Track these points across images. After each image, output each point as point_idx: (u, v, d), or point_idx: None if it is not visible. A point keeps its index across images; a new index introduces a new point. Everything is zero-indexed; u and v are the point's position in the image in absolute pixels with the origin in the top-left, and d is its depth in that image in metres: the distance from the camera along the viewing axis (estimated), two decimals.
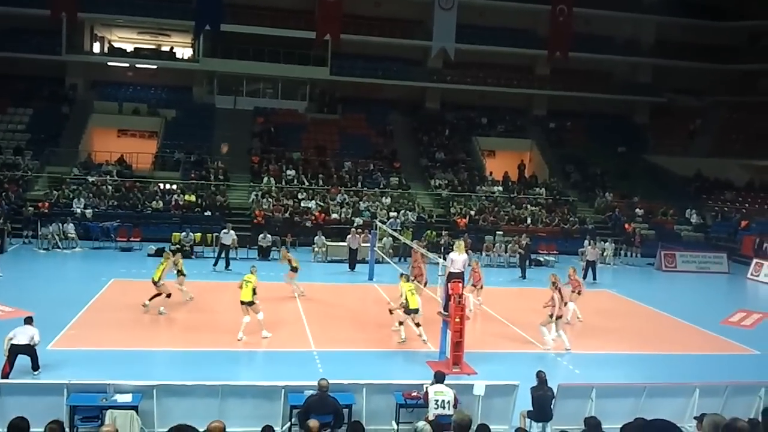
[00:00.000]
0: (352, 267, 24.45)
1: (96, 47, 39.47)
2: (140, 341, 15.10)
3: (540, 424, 10.48)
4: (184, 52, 41.24)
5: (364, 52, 38.44)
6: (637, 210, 34.21)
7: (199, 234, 26.44)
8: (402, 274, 16.55)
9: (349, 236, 24.96)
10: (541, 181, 36.77)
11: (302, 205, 30.75)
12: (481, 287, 19.03)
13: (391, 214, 30.30)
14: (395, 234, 24.66)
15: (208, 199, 30.27)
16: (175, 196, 30.24)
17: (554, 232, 31.64)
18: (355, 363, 14.14)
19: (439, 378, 10.11)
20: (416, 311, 15.27)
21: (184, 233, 25.88)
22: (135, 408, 9.56)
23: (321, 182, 32.83)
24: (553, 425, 10.45)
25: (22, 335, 12.11)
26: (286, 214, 29.78)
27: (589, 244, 25.77)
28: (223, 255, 23.49)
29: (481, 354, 14.66)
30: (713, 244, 32.29)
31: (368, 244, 23.89)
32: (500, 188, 35.21)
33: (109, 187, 30.40)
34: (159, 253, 23.14)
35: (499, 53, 39.19)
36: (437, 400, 9.70)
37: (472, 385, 10.45)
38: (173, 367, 13.35)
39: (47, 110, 34.98)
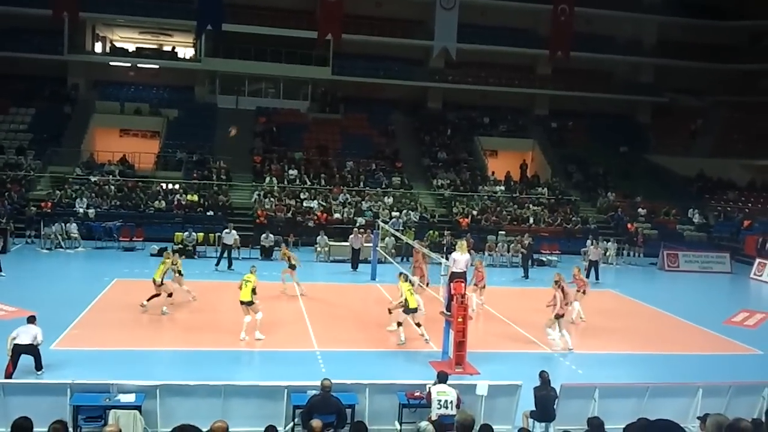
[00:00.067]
0: (355, 267, 24.46)
1: (98, 47, 39.53)
2: (143, 341, 15.12)
3: (543, 425, 10.47)
4: (185, 51, 41.29)
5: (365, 51, 38.45)
6: (640, 210, 34.20)
7: (201, 234, 26.47)
8: (401, 273, 16.52)
9: (352, 236, 24.96)
10: (543, 181, 36.78)
11: (304, 204, 30.76)
12: (484, 286, 19.04)
13: (394, 213, 30.31)
14: (397, 234, 24.65)
15: (210, 198, 30.29)
16: (178, 195, 30.27)
17: (557, 232, 31.63)
18: (357, 363, 14.14)
19: (442, 378, 10.12)
20: (415, 310, 15.30)
21: (186, 233, 25.90)
22: (138, 408, 9.56)
23: (323, 182, 32.85)
24: (556, 425, 10.44)
25: (25, 335, 12.11)
26: (289, 214, 29.79)
27: (592, 244, 25.74)
28: (225, 255, 23.50)
29: (484, 354, 14.65)
30: (716, 243, 32.27)
31: (371, 244, 23.90)
32: (502, 188, 35.22)
33: (112, 187, 30.43)
34: (161, 252, 23.09)
35: (500, 53, 39.20)
36: (440, 400, 9.71)
37: (475, 385, 10.43)
38: (176, 367, 13.34)
39: (49, 110, 35.02)
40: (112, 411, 9.41)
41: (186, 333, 15.89)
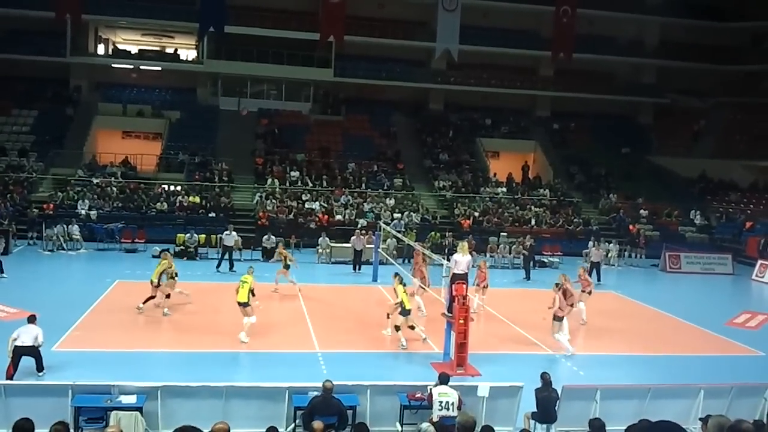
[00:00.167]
0: (358, 268, 24.46)
1: (100, 49, 39.58)
2: (144, 343, 15.14)
3: (544, 426, 10.46)
4: (188, 53, 41.35)
5: (367, 53, 38.48)
6: (642, 211, 34.16)
7: (203, 235, 26.50)
8: (395, 274, 16.48)
9: (354, 237, 24.98)
10: (545, 182, 36.76)
11: (306, 206, 30.77)
12: (486, 286, 19.10)
13: (395, 215, 30.31)
14: (399, 235, 24.65)
15: (212, 200, 30.31)
16: (180, 197, 30.30)
17: (558, 234, 31.60)
18: (359, 364, 14.14)
19: (443, 379, 10.12)
20: (410, 312, 15.30)
21: (188, 235, 25.91)
22: (139, 409, 9.58)
23: (325, 183, 32.87)
24: (558, 427, 10.44)
25: (26, 335, 12.10)
26: (290, 216, 29.80)
27: (594, 246, 25.73)
28: (226, 256, 23.52)
29: (486, 355, 14.65)
30: (718, 245, 32.22)
31: (372, 246, 23.91)
32: (504, 189, 35.20)
33: (114, 189, 30.46)
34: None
35: (502, 54, 39.20)
36: (441, 402, 9.71)
37: (477, 386, 10.44)
38: (177, 369, 13.34)
39: (51, 112, 35.07)
40: (114, 412, 9.42)
41: (187, 334, 15.89)
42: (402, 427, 10.30)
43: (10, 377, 11.57)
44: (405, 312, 15.22)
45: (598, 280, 24.15)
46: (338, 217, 30.35)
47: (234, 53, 37.14)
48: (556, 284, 15.77)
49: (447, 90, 40.36)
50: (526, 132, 40.57)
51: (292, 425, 10.02)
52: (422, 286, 18.64)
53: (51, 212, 27.60)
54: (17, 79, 35.50)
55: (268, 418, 9.43)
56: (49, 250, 25.40)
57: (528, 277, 25.07)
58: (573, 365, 14.79)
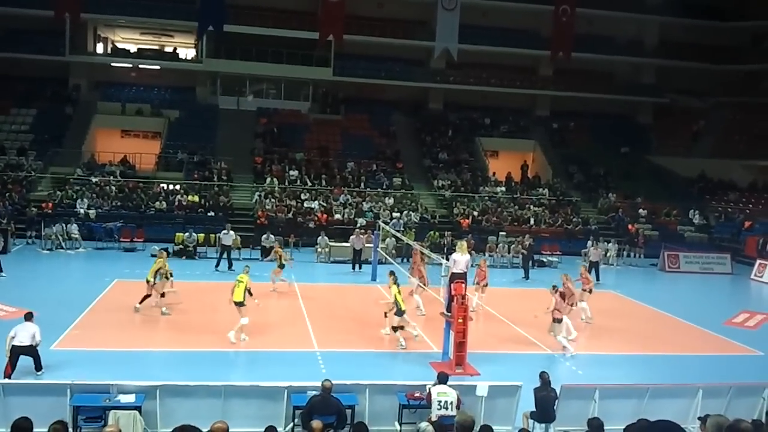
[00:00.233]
0: (359, 267, 24.45)
1: (99, 48, 39.58)
2: (143, 342, 15.13)
3: (543, 425, 10.47)
4: (187, 52, 41.34)
5: (366, 52, 38.47)
6: (641, 210, 34.17)
7: (202, 234, 26.48)
8: (391, 273, 16.48)
9: (353, 237, 24.99)
10: (544, 182, 36.77)
11: (305, 205, 30.76)
12: (486, 285, 19.14)
13: (394, 214, 30.31)
14: (398, 234, 24.66)
15: (211, 199, 30.30)
16: (179, 196, 30.28)
17: (557, 233, 31.61)
18: (357, 363, 14.14)
19: (442, 379, 10.12)
20: (404, 312, 15.32)
21: (187, 234, 25.90)
22: (138, 408, 9.57)
23: (324, 183, 32.86)
24: (556, 426, 10.45)
25: (24, 333, 12.02)
26: (289, 215, 29.79)
27: (593, 245, 25.74)
28: (225, 256, 23.52)
29: (484, 355, 14.65)
30: (717, 244, 32.24)
31: (371, 245, 23.92)
32: (503, 189, 35.21)
33: (113, 188, 30.44)
34: None
35: (502, 54, 39.20)
36: (440, 401, 9.71)
37: (475, 385, 10.44)
38: (176, 368, 13.32)
39: (51, 111, 35.06)
40: (112, 411, 9.41)
41: (186, 334, 15.88)
42: (401, 426, 10.29)
43: (7, 377, 11.55)
44: (400, 312, 15.22)
45: (597, 279, 24.13)
46: (337, 216, 30.35)
47: (233, 52, 37.15)
48: (553, 286, 15.76)
49: (446, 89, 40.36)
50: (525, 131, 40.57)
51: (291, 424, 10.02)
52: (420, 285, 18.66)
53: (50, 211, 27.57)
54: (16, 78, 35.49)
55: (266, 418, 9.43)
56: (48, 249, 25.39)
57: (527, 277, 25.08)
58: (572, 365, 14.80)
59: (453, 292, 13.97)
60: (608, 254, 28.03)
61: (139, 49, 40.20)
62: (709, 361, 15.72)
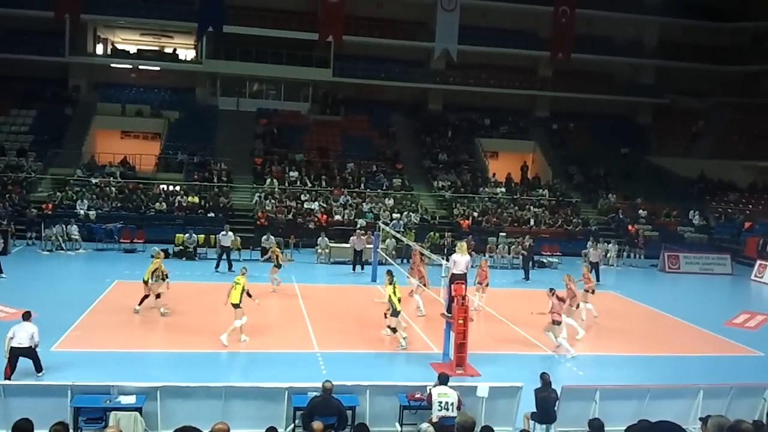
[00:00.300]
0: (361, 268, 24.44)
1: (99, 49, 39.58)
2: (144, 343, 15.14)
3: (544, 426, 10.46)
4: (187, 53, 41.35)
5: (366, 53, 38.50)
6: (641, 211, 34.18)
7: (202, 235, 26.47)
8: (388, 272, 16.46)
9: (354, 238, 24.99)
10: (543, 183, 36.77)
11: (305, 206, 30.76)
12: (487, 284, 19.21)
13: (394, 215, 30.31)
14: (398, 235, 24.66)
15: (211, 200, 30.30)
16: (179, 197, 30.28)
17: (557, 234, 31.61)
18: (358, 364, 14.14)
19: (442, 380, 10.12)
20: (399, 313, 15.31)
21: (187, 235, 25.89)
22: (139, 410, 9.57)
23: (324, 184, 32.86)
24: (557, 427, 10.44)
25: (22, 333, 11.95)
26: (289, 216, 29.79)
27: (592, 246, 25.73)
28: (224, 257, 23.51)
29: (485, 356, 14.65)
30: (717, 245, 32.24)
31: (371, 246, 23.92)
32: (503, 190, 35.20)
33: (113, 189, 30.43)
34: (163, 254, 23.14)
35: (501, 54, 39.21)
36: (441, 402, 9.71)
37: (476, 386, 10.44)
38: (176, 369, 13.33)
39: (50, 112, 35.05)
40: (113, 413, 9.42)
41: (186, 335, 15.87)
42: (401, 427, 10.29)
43: (7, 378, 11.53)
44: (395, 313, 15.20)
45: (597, 280, 24.12)
46: (337, 217, 30.34)
47: (233, 53, 37.15)
48: (550, 289, 15.73)
49: (446, 90, 40.36)
50: (525, 132, 40.57)
51: (292, 425, 10.02)
52: (420, 285, 18.66)
53: (50, 212, 27.57)
54: (16, 79, 35.49)
55: (267, 419, 9.43)
56: (48, 250, 25.38)
57: (527, 278, 25.07)
58: (572, 365, 14.80)
59: (453, 293, 13.98)
60: (608, 255, 28.04)
61: (138, 50, 40.19)
62: (710, 362, 15.71)
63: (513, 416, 10.52)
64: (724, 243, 32.44)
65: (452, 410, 9.59)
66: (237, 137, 35.22)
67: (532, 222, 32.11)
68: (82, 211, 28.07)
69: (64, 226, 25.95)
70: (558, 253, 29.24)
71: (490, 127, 40.34)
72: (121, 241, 26.79)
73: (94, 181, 30.71)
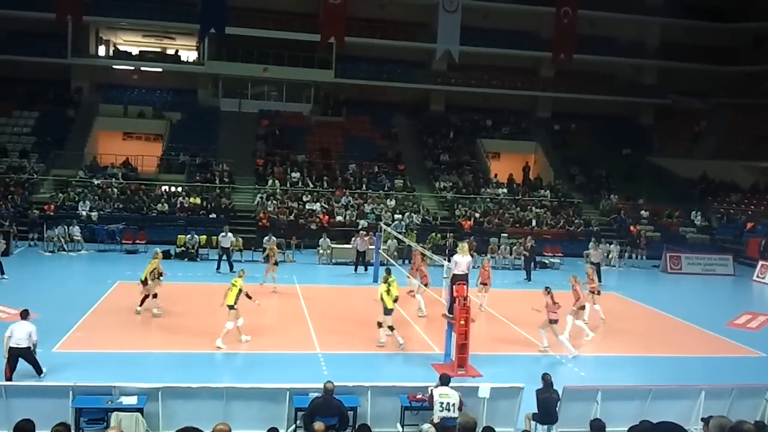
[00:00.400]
0: (365, 269, 24.44)
1: (101, 50, 39.63)
2: (145, 344, 15.16)
3: (545, 427, 10.46)
4: (189, 55, 41.37)
5: (368, 54, 38.52)
6: (642, 212, 34.15)
7: (204, 236, 26.49)
8: (387, 269, 16.36)
9: (356, 238, 25.00)
10: (545, 183, 36.75)
11: (307, 207, 30.78)
12: (488, 285, 19.19)
13: (396, 216, 30.31)
14: (400, 236, 24.67)
15: (213, 201, 30.33)
16: (181, 198, 30.31)
17: (559, 235, 31.60)
18: (359, 365, 14.15)
19: (444, 380, 10.12)
20: (392, 311, 15.30)
21: (189, 236, 25.91)
22: (140, 410, 9.59)
23: (326, 184, 32.86)
24: (559, 428, 10.44)
25: (20, 332, 11.88)
26: (291, 217, 29.80)
27: (594, 247, 25.70)
28: (225, 258, 23.52)
29: (486, 356, 14.65)
30: (719, 246, 32.20)
31: (373, 247, 23.94)
32: (505, 190, 35.19)
33: (115, 190, 30.46)
34: (164, 255, 23.12)
35: (503, 55, 39.20)
36: (442, 403, 9.71)
37: (477, 387, 10.44)
38: (178, 370, 13.32)
39: (53, 113, 35.10)
40: (114, 413, 9.44)
41: (188, 336, 15.88)
42: (403, 428, 10.29)
43: (8, 379, 11.52)
44: (387, 312, 15.19)
45: (599, 281, 24.10)
46: (339, 218, 30.35)
47: (235, 54, 37.18)
48: (546, 288, 15.71)
49: (448, 91, 40.36)
50: (526, 133, 40.56)
51: (293, 426, 10.03)
52: (422, 284, 18.66)
53: (52, 213, 27.60)
54: (18, 81, 35.54)
55: (269, 419, 9.44)
56: (50, 251, 25.42)
57: (529, 278, 25.04)
58: (574, 366, 14.79)
59: (455, 294, 13.97)
60: (610, 256, 28.01)
61: (140, 51, 40.24)
62: (712, 363, 15.69)
63: (514, 417, 10.52)
64: (726, 244, 32.39)
65: (453, 411, 9.59)
66: (239, 138, 35.25)
67: (533, 223, 32.09)
68: (84, 213, 28.11)
69: (66, 227, 26.00)
70: (560, 254, 29.23)
71: (491, 127, 40.33)
72: (123, 242, 26.81)
73: (96, 182, 30.74)
